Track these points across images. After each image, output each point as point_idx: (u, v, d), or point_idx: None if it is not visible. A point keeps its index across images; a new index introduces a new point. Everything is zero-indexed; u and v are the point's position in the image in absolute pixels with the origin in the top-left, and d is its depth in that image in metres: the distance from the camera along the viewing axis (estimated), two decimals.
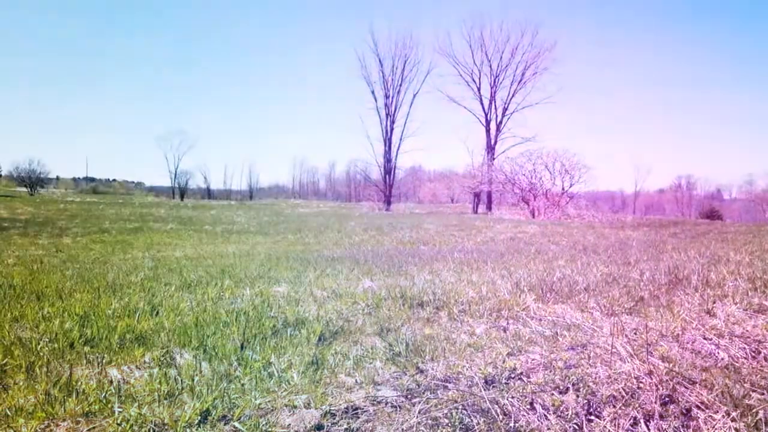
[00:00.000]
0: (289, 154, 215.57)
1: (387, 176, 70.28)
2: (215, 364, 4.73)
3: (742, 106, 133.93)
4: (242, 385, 4.21)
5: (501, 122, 67.15)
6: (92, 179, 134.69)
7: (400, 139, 69.84)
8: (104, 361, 4.87)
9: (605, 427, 3.48)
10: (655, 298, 7.10)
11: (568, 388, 3.95)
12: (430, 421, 3.50)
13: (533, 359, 4.65)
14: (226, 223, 33.32)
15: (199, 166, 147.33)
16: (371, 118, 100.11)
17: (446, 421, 3.49)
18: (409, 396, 3.91)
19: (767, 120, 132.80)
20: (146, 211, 45.22)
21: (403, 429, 3.45)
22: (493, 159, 61.64)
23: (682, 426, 3.52)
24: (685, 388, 3.93)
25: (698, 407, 3.69)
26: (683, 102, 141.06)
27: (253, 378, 4.35)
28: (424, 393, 3.93)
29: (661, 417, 3.58)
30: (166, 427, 3.43)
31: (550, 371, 4.31)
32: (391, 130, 69.40)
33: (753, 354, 4.85)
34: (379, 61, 69.11)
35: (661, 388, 3.86)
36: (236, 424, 3.46)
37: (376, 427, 3.50)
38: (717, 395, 3.82)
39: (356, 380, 4.30)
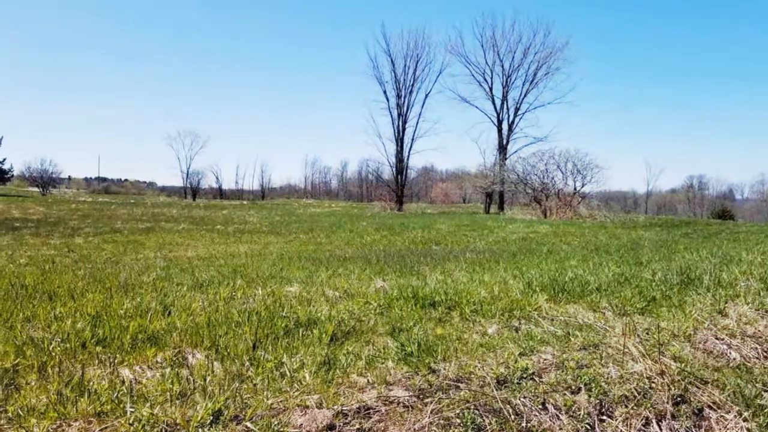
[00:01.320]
0: (301, 154, 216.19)
1: (399, 176, 70.13)
2: (227, 364, 4.74)
3: (754, 105, 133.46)
4: (254, 385, 4.22)
5: (513, 122, 66.88)
6: (104, 179, 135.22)
7: (412, 139, 69.68)
8: (116, 361, 4.89)
9: (617, 427, 3.47)
10: (667, 298, 7.08)
11: (580, 388, 3.95)
12: (442, 421, 3.50)
13: (545, 359, 4.64)
14: (237, 223, 33.39)
15: (211, 166, 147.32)
16: (383, 118, 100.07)
17: (458, 421, 3.49)
18: (421, 396, 3.90)
19: None
20: (158, 211, 45.30)
21: (415, 429, 3.45)
22: (505, 159, 61.27)
23: (694, 426, 3.52)
24: (697, 388, 3.92)
25: (710, 407, 3.69)
26: (695, 101, 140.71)
27: (265, 378, 4.35)
28: (436, 393, 3.92)
29: (673, 417, 3.57)
30: (178, 427, 3.44)
31: (562, 371, 4.30)
32: (403, 130, 69.25)
33: (765, 354, 4.84)
34: (391, 60, 68.94)
35: (673, 388, 3.85)
36: (248, 424, 3.46)
37: (388, 427, 3.50)
38: (729, 395, 3.81)
39: (368, 380, 4.30)
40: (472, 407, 3.65)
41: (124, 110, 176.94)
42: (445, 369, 4.44)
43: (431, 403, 3.74)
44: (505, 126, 66.88)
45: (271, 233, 25.91)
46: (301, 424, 3.50)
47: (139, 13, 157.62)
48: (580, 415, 3.59)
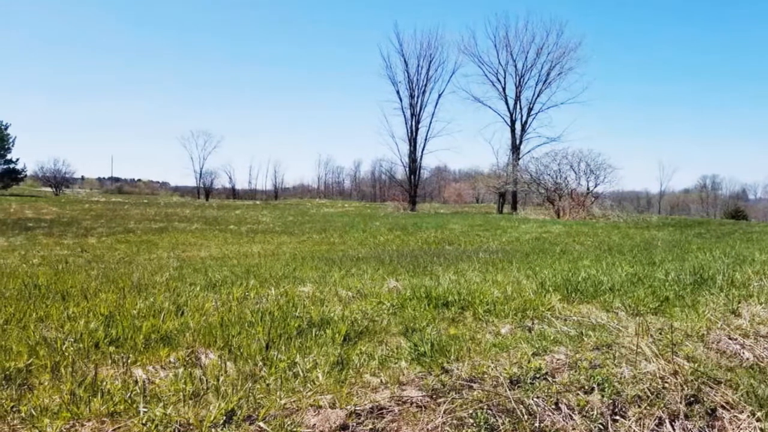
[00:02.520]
0: (314, 154, 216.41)
1: (412, 176, 70.18)
2: (240, 364, 4.75)
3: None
4: (267, 385, 4.22)
5: (526, 122, 66.78)
6: (117, 179, 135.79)
7: (425, 139, 69.74)
8: (129, 361, 4.90)
9: (630, 427, 3.47)
10: (680, 298, 7.06)
11: (593, 388, 3.94)
12: (455, 421, 3.50)
13: (558, 359, 4.63)
14: (251, 223, 33.46)
15: (224, 166, 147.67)
16: (396, 118, 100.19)
17: (471, 421, 3.49)
18: (434, 396, 3.90)
19: None
20: (171, 211, 45.44)
21: (428, 429, 3.45)
22: (519, 159, 61.36)
23: (708, 426, 3.51)
24: (711, 388, 3.91)
25: (723, 407, 3.68)
26: (709, 100, 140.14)
27: (278, 378, 4.36)
28: (449, 393, 3.92)
29: (687, 417, 3.56)
30: (191, 427, 3.45)
31: (576, 371, 4.30)
32: (416, 129, 69.28)
33: None
34: (404, 60, 69.04)
35: (686, 388, 3.84)
36: (261, 424, 3.47)
37: (401, 427, 3.50)
38: (742, 395, 3.80)
39: (381, 380, 4.30)
40: (486, 407, 3.65)
41: (137, 110, 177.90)
42: (458, 369, 4.43)
43: (444, 403, 3.74)
44: (518, 126, 66.87)
45: (284, 233, 25.95)
46: (315, 424, 3.51)
47: (152, 13, 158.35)
48: (593, 415, 3.59)
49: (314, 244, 20.65)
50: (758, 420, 3.49)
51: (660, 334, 5.25)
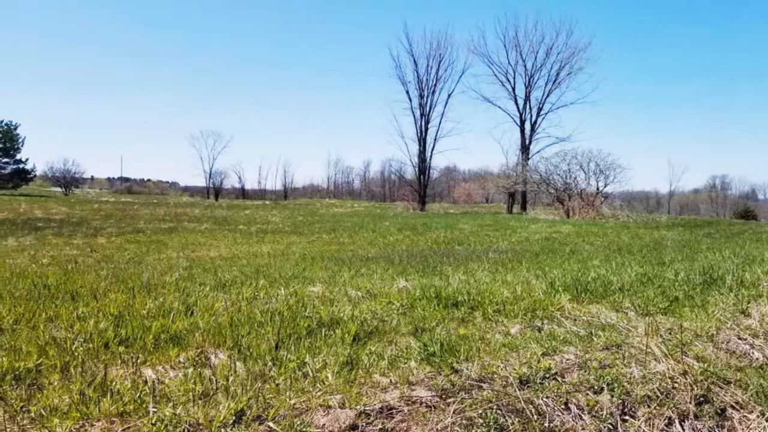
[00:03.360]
0: (324, 153, 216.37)
1: (421, 176, 70.01)
2: (250, 364, 4.75)
3: None
4: (277, 385, 4.22)
5: (536, 122, 66.37)
6: (127, 179, 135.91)
7: (435, 139, 69.45)
8: (139, 361, 4.91)
9: (640, 427, 3.46)
10: (689, 298, 7.05)
11: (602, 388, 3.94)
12: (464, 421, 3.50)
13: (568, 359, 4.63)
14: (260, 223, 33.44)
15: (234, 166, 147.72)
16: (406, 118, 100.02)
17: (481, 421, 3.49)
18: (443, 396, 3.90)
19: None
20: (181, 211, 45.45)
21: (437, 429, 3.45)
22: (528, 159, 61.08)
23: (717, 426, 3.51)
24: (720, 388, 3.90)
25: (733, 407, 3.67)
26: (718, 100, 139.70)
27: (287, 378, 4.36)
28: (458, 393, 3.92)
29: (696, 417, 3.56)
30: (200, 427, 3.45)
31: (585, 371, 4.29)
32: (426, 130, 69.05)
33: None
34: (414, 61, 68.73)
35: (695, 388, 3.83)
36: (271, 424, 3.47)
37: (410, 427, 3.50)
38: (752, 395, 3.80)
39: (391, 380, 4.30)
40: (495, 407, 3.65)
41: (146, 110, 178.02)
42: (467, 369, 4.43)
43: (454, 403, 3.74)
44: (527, 126, 66.55)
45: (294, 233, 25.92)
46: (324, 424, 3.51)
47: (160, 13, 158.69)
48: (602, 415, 3.59)
49: (324, 244, 20.63)
50: None
51: (669, 334, 5.24)
